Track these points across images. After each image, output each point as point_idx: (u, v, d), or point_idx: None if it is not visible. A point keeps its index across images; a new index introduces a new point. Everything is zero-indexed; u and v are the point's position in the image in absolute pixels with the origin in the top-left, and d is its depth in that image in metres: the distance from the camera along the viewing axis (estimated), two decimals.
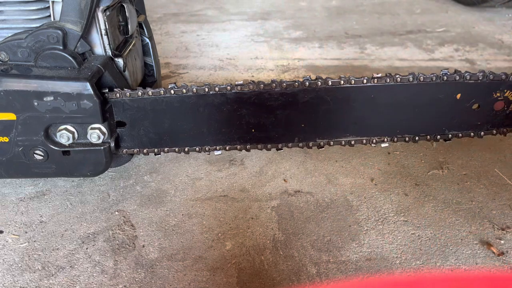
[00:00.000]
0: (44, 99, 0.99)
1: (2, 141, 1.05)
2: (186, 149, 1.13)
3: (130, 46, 1.23)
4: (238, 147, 1.13)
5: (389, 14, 2.62)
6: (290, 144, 1.13)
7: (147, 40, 1.35)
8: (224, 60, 2.11)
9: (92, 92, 0.99)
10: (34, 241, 1.08)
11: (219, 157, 1.38)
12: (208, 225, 1.12)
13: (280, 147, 1.13)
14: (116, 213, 1.17)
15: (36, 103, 1.00)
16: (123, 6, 1.16)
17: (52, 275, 0.99)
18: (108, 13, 1.08)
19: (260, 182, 1.27)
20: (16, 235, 1.10)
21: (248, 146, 1.13)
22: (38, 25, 1.04)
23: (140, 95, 1.05)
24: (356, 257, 1.03)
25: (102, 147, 1.08)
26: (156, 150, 1.13)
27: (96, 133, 1.05)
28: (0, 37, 1.06)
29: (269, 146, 1.13)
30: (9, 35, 1.04)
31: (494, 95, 1.07)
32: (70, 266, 1.01)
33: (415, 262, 1.01)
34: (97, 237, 1.09)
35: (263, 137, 1.12)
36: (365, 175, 1.29)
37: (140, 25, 1.33)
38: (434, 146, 1.41)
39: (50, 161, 1.08)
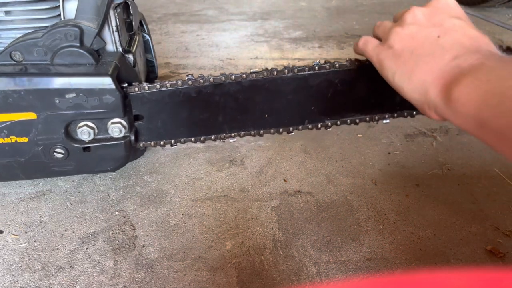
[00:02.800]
0: (66, 96, 0.99)
1: (22, 141, 1.05)
2: (202, 138, 1.14)
3: (136, 43, 1.24)
4: (252, 132, 1.15)
5: (389, 14, 2.62)
6: (300, 127, 1.16)
7: (147, 36, 1.37)
8: (224, 60, 2.11)
9: (114, 87, 1.00)
10: (34, 241, 1.08)
11: (219, 157, 1.38)
12: (208, 225, 1.12)
13: (291, 129, 1.16)
14: (116, 213, 1.17)
15: (57, 101, 1.00)
16: (127, 3, 1.18)
17: (52, 275, 0.99)
18: (118, 10, 1.10)
19: (260, 182, 1.27)
20: (16, 235, 1.10)
21: (261, 132, 1.15)
22: (47, 24, 1.04)
23: (159, 87, 1.06)
24: (356, 257, 1.03)
25: (123, 141, 1.08)
26: (172, 141, 1.14)
27: (117, 127, 1.05)
28: (8, 38, 1.06)
29: (281, 130, 1.15)
30: (18, 35, 1.04)
31: None
32: (70, 266, 1.01)
33: (415, 262, 1.01)
34: (97, 237, 1.09)
35: (275, 121, 1.15)
36: (365, 175, 1.29)
37: (139, 22, 1.35)
38: (434, 146, 1.41)
39: (70, 159, 1.08)
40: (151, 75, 1.43)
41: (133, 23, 1.22)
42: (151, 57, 1.41)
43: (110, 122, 1.06)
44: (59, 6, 1.04)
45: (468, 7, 2.75)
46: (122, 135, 1.07)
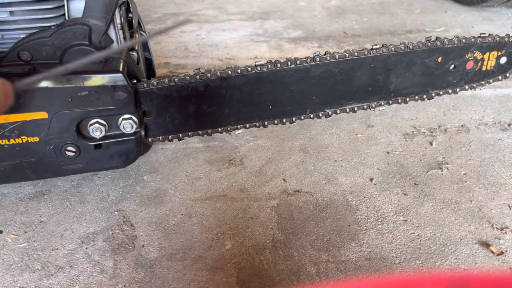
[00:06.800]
0: (79, 94, 1.00)
1: (33, 141, 1.04)
2: (209, 131, 1.16)
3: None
4: (257, 124, 1.18)
5: (388, 14, 2.62)
6: (302, 117, 1.21)
7: (145, 34, 1.37)
8: (223, 60, 2.11)
9: (126, 83, 1.02)
10: (34, 241, 1.08)
11: (218, 156, 1.38)
12: (208, 225, 1.13)
13: (294, 120, 1.20)
14: (116, 213, 1.17)
15: (70, 99, 1.00)
16: (128, 1, 1.19)
17: (52, 275, 0.99)
18: (122, 8, 1.11)
19: (260, 181, 1.28)
20: (16, 235, 1.10)
21: (266, 123, 1.19)
22: (51, 24, 1.05)
23: (167, 83, 1.08)
24: (355, 256, 1.03)
25: (134, 137, 1.09)
26: (180, 135, 1.16)
27: (129, 123, 1.06)
28: (12, 38, 1.06)
29: (284, 120, 1.20)
30: (22, 35, 1.04)
31: (466, 56, 1.25)
32: (70, 266, 1.01)
33: (415, 261, 1.02)
34: (96, 237, 1.09)
35: (279, 112, 1.19)
36: (365, 175, 1.29)
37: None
38: (433, 145, 1.41)
39: (82, 157, 1.09)
40: (149, 73, 1.45)
41: (133, 21, 1.23)
42: (149, 55, 1.42)
43: (121, 118, 1.07)
44: (63, 5, 1.04)
45: (467, 7, 2.75)
46: (133, 130, 1.09)
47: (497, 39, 1.26)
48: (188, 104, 1.13)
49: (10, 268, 1.01)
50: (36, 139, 1.05)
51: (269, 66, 1.12)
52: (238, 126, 1.18)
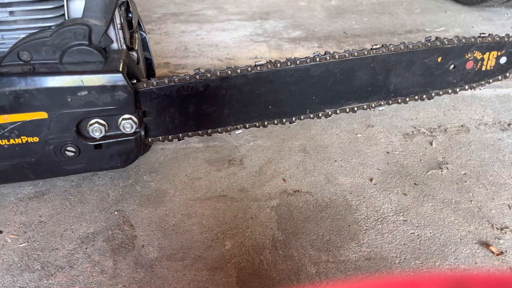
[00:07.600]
0: (78, 94, 1.00)
1: (32, 141, 1.05)
2: (209, 131, 1.17)
3: (137, 40, 1.26)
4: (257, 124, 1.19)
5: (388, 14, 2.62)
6: (302, 117, 1.22)
7: (144, 34, 1.38)
8: (223, 60, 2.11)
9: (126, 83, 1.02)
10: (34, 241, 1.08)
11: (218, 156, 1.38)
12: (208, 224, 1.13)
13: (294, 120, 1.22)
14: (116, 213, 1.17)
15: (69, 99, 1.00)
16: (128, 1, 1.20)
17: (52, 275, 0.99)
18: (122, 8, 1.12)
19: (260, 181, 1.27)
20: (16, 235, 1.10)
21: (265, 123, 1.20)
22: (50, 24, 1.05)
23: (167, 83, 1.08)
24: (355, 256, 1.03)
25: (133, 137, 1.10)
26: (180, 135, 1.17)
27: (129, 123, 1.07)
28: (11, 38, 1.06)
29: (284, 120, 1.21)
30: (22, 36, 1.04)
31: (466, 56, 1.26)
32: (70, 266, 1.01)
33: (414, 261, 1.02)
34: (96, 237, 1.09)
35: (279, 112, 1.20)
36: (364, 175, 1.29)
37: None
38: (433, 145, 1.41)
39: (82, 157, 1.09)
40: (149, 73, 1.45)
41: (133, 21, 1.23)
42: (149, 55, 1.42)
43: (121, 119, 1.08)
44: (63, 5, 1.04)
45: (467, 7, 2.75)
46: (133, 130, 1.09)
47: (497, 39, 1.26)
48: (188, 104, 1.13)
49: (10, 268, 1.01)
50: (36, 139, 1.05)
51: (269, 66, 1.13)
52: (238, 126, 1.19)
